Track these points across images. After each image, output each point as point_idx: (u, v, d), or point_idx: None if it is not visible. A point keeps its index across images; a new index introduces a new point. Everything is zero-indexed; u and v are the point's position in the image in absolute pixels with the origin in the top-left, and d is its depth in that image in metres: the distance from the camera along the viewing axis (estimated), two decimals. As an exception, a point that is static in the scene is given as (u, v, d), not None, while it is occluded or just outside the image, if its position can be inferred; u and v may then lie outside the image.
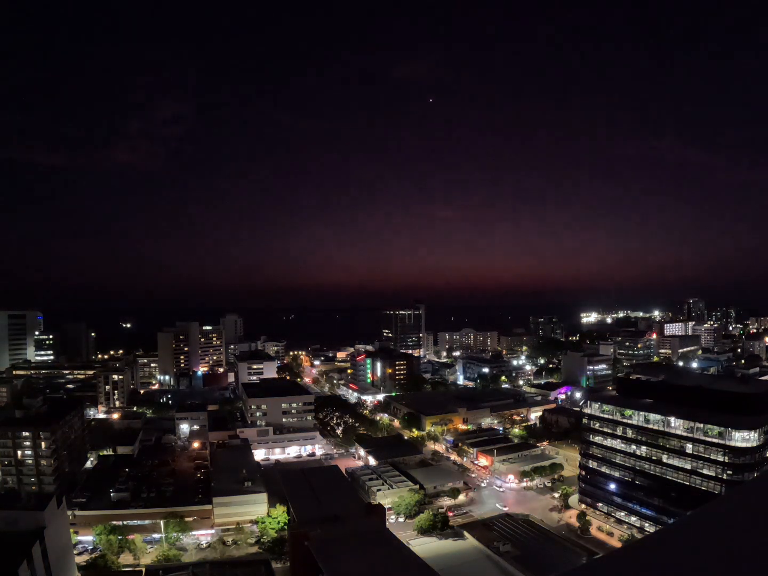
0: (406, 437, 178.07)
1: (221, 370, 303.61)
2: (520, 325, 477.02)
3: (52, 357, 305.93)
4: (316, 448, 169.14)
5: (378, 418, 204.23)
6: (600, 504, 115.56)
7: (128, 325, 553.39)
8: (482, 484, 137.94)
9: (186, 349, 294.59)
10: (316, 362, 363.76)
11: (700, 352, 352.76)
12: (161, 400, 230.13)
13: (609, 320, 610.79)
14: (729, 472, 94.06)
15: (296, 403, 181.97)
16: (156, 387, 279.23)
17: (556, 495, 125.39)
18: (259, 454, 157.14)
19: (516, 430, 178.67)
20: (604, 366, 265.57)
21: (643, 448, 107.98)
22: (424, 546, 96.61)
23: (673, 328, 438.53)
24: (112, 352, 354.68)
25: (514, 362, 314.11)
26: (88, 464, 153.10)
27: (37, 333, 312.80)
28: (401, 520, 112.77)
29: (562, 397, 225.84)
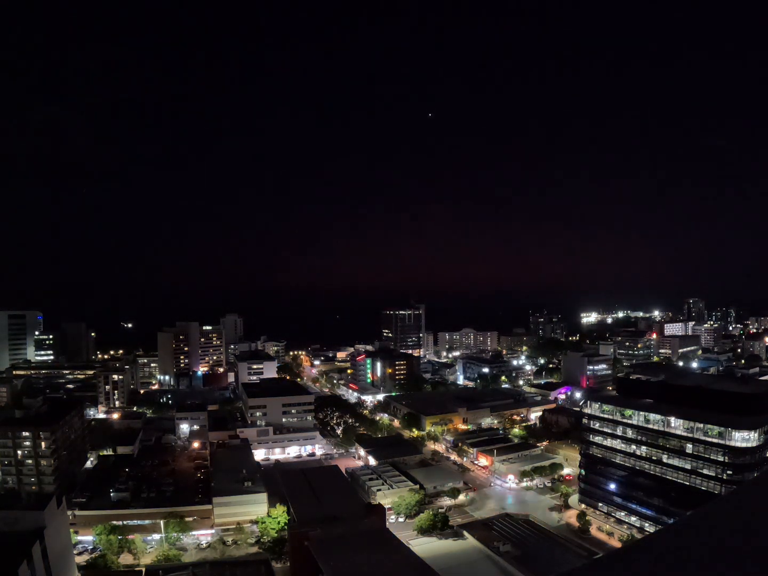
0: (406, 437, 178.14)
1: (221, 370, 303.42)
2: (520, 325, 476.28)
3: (52, 357, 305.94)
4: (316, 448, 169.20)
5: (378, 418, 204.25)
6: (600, 504, 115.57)
7: (128, 325, 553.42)
8: (482, 484, 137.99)
9: (186, 349, 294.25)
10: (316, 362, 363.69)
11: (700, 352, 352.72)
12: (161, 400, 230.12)
13: (609, 320, 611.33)
14: (729, 472, 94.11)
15: (296, 403, 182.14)
16: (156, 387, 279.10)
17: (556, 495, 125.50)
18: (259, 454, 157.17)
19: (516, 430, 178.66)
20: (604, 366, 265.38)
21: (643, 448, 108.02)
22: (424, 546, 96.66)
23: (673, 328, 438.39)
24: (112, 352, 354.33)
25: (514, 362, 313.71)
26: (88, 464, 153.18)
27: (37, 333, 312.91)
28: (401, 520, 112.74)
29: (562, 397, 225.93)
